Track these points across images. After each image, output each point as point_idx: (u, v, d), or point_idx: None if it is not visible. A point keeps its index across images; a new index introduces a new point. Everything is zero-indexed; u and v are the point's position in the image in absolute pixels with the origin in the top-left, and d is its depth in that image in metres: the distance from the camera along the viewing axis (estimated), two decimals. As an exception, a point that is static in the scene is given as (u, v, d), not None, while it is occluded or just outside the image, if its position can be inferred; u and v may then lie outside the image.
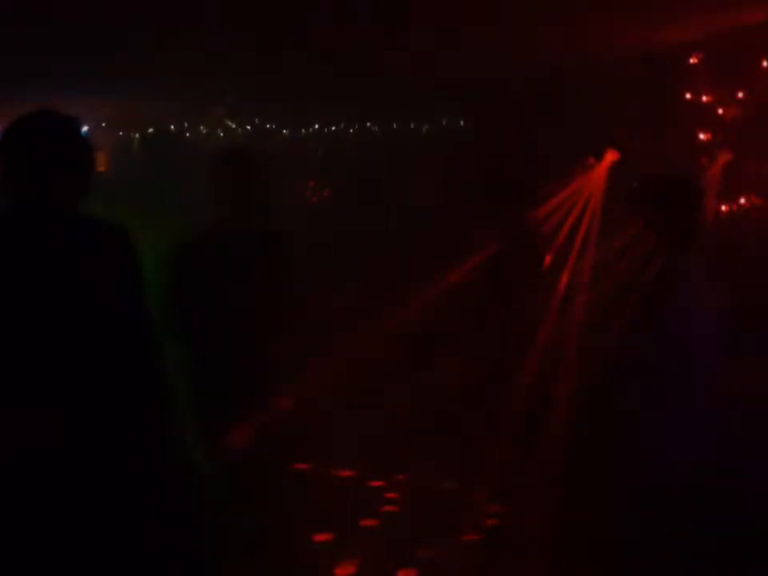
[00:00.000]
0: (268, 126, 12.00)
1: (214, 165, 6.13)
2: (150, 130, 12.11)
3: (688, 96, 9.32)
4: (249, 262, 5.93)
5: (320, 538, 7.22)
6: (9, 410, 3.70)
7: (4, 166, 3.91)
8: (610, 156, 9.42)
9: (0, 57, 8.69)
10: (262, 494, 6.05)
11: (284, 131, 12.09)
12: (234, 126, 11.77)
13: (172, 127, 12.02)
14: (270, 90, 10.49)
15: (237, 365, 5.91)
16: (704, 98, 9.10)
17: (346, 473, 8.66)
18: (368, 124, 12.08)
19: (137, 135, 12.17)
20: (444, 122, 11.44)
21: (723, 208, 8.96)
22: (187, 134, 12.04)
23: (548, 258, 8.00)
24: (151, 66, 9.48)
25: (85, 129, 10.19)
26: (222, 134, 11.91)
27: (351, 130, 12.19)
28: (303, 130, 12.10)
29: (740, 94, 8.79)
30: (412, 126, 11.73)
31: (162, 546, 3.98)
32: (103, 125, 11.73)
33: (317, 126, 12.08)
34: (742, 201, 8.87)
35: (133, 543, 3.86)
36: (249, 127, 11.89)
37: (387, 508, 7.94)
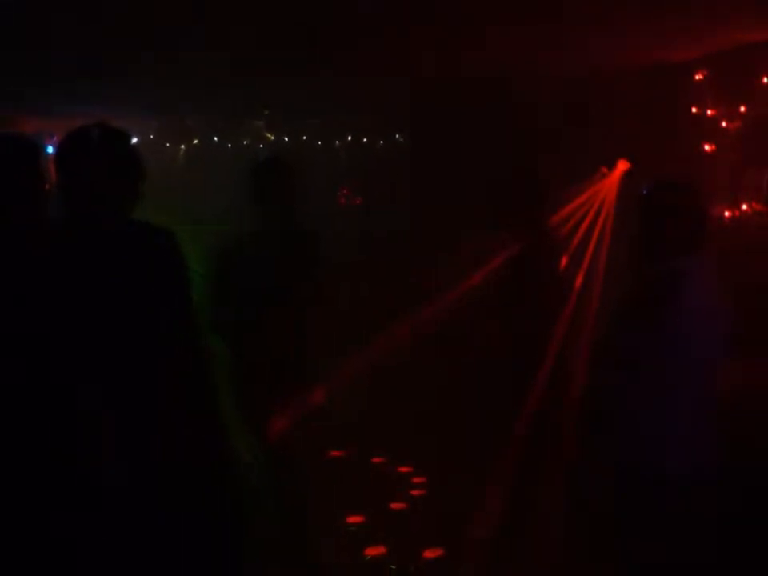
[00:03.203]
0: (304, 137, 12.29)
1: (252, 171, 6.47)
2: (195, 142, 12.37)
3: (694, 110, 9.70)
4: (285, 260, 6.12)
5: (352, 520, 7.41)
6: (65, 407, 3.72)
7: (60, 174, 3.98)
8: (622, 165, 9.74)
9: (56, 77, 9.00)
10: (298, 480, 6.22)
11: (318, 143, 12.42)
12: (272, 138, 12.08)
13: (215, 139, 12.30)
14: (306, 104, 10.92)
15: (275, 359, 6.09)
16: (708, 112, 9.44)
17: (377, 459, 8.77)
18: (396, 136, 12.42)
19: (182, 147, 12.41)
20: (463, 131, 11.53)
21: (726, 213, 9.21)
22: (229, 146, 12.30)
23: (564, 260, 8.27)
24: (195, 83, 9.83)
25: (134, 141, 10.51)
26: (261, 146, 12.17)
27: (381, 142, 12.53)
28: (337, 142, 12.44)
29: (742, 108, 9.10)
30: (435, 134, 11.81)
31: (207, 534, 4.05)
32: (151, 137, 12.11)
33: (349, 138, 12.41)
34: (744, 207, 9.10)
35: (180, 533, 3.92)
36: (286, 139, 12.17)
37: (415, 492, 8.14)
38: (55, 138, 9.35)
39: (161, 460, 3.89)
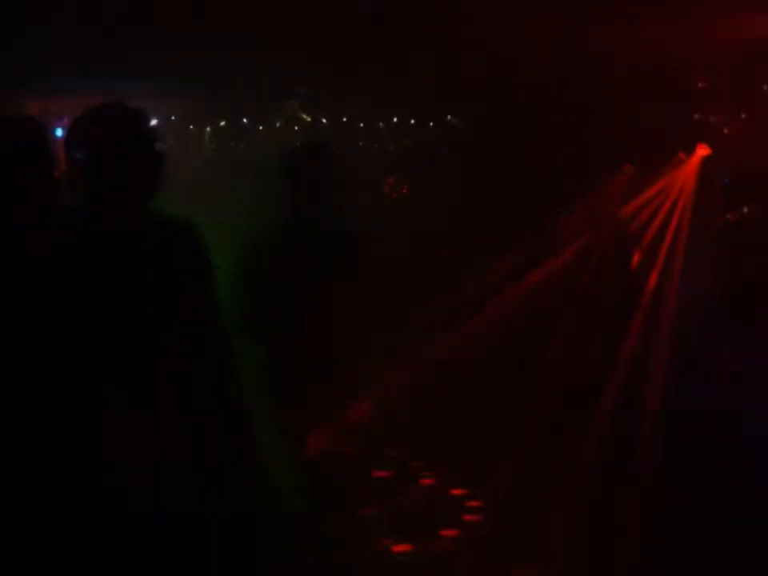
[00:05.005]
0: (344, 119, 11.55)
1: (288, 161, 6.11)
2: (222, 124, 11.70)
3: None
4: (324, 262, 5.92)
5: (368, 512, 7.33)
6: (83, 407, 3.70)
7: (69, 161, 3.89)
8: (701, 151, 9.20)
9: (69, 48, 8.53)
10: (317, 474, 6.10)
11: (360, 125, 11.70)
12: (308, 119, 11.35)
13: (245, 121, 11.62)
14: (347, 82, 10.34)
15: (312, 366, 5.95)
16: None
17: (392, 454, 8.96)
18: (449, 117, 11.66)
19: (208, 129, 11.77)
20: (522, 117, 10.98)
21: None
22: (260, 128, 11.62)
23: (636, 256, 7.83)
24: (221, 57, 9.25)
25: (154, 122, 9.96)
26: (296, 128, 11.45)
27: (431, 124, 11.75)
28: (381, 124, 11.70)
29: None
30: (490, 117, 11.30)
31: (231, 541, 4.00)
32: (173, 118, 11.42)
33: (395, 120, 11.65)
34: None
35: (202, 540, 3.90)
36: (324, 120, 11.43)
37: (426, 481, 8.73)
38: (65, 120, 9.01)
39: (167, 460, 3.85)
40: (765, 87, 9.31)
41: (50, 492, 3.67)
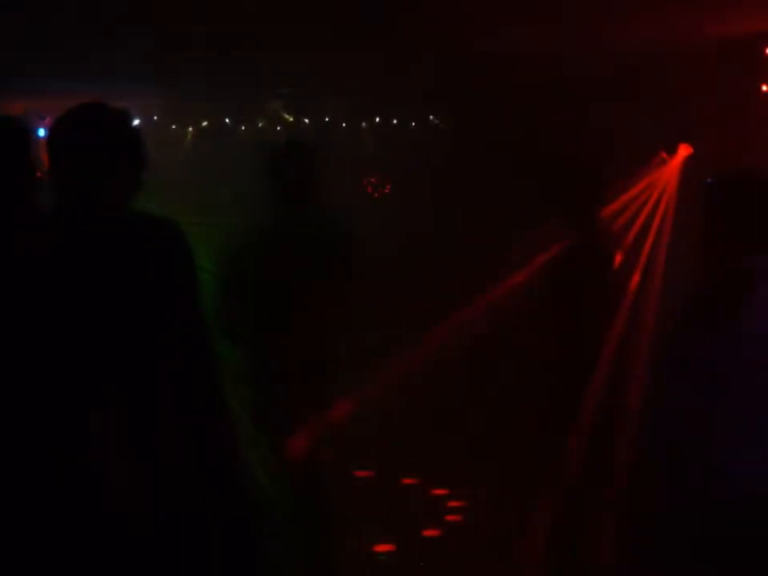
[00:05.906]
0: (327, 119, 11.49)
1: (271, 160, 6.05)
2: (204, 124, 11.64)
3: (765, 88, 8.94)
4: (315, 262, 5.84)
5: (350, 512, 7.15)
6: (63, 408, 3.62)
7: (51, 161, 3.80)
8: (684, 150, 9.15)
9: (50, 48, 8.52)
10: (323, 503, 6.05)
11: (343, 124, 11.61)
12: (291, 119, 11.28)
13: (227, 121, 11.55)
14: (329, 82, 10.27)
15: (295, 369, 5.83)
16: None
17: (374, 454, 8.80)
18: (431, 117, 11.61)
19: (190, 129, 11.73)
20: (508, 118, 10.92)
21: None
22: (242, 128, 11.57)
23: (618, 258, 7.81)
24: (204, 59, 9.23)
25: (136, 122, 9.98)
26: (278, 128, 11.38)
27: (413, 124, 11.72)
28: (363, 124, 11.64)
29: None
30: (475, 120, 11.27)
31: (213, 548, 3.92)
32: (155, 118, 11.33)
33: (378, 120, 11.60)
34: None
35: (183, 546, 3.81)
36: (306, 120, 11.37)
37: (407, 481, 8.57)
38: (47, 120, 9.10)
39: (162, 461, 3.77)
40: (748, 86, 9.25)
41: (47, 492, 3.62)
